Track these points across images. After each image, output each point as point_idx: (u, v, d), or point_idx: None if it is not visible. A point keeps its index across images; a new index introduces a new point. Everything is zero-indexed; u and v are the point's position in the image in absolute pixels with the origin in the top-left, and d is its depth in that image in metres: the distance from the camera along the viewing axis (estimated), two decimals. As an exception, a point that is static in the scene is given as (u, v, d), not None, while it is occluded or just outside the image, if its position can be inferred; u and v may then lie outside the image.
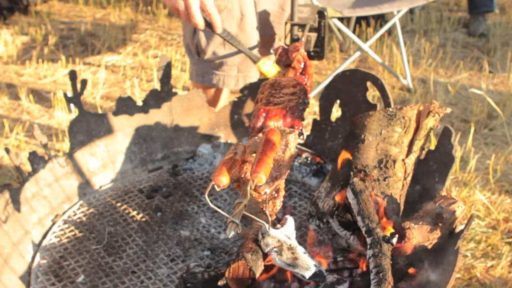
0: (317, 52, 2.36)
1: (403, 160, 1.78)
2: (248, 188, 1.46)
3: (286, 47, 2.16)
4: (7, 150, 1.90)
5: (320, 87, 3.47)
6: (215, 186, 1.46)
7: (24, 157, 1.96)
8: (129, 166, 2.28)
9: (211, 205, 1.42)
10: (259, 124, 1.78)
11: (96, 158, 2.20)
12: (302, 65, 2.09)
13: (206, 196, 1.41)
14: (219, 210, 1.44)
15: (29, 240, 1.89)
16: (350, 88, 2.17)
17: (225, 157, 1.53)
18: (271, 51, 2.29)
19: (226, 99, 2.63)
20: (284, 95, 1.85)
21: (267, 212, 1.54)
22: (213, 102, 2.54)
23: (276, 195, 1.60)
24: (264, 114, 1.79)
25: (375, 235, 1.55)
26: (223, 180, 1.45)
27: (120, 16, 4.94)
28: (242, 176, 1.54)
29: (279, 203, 1.60)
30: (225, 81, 2.35)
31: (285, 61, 2.16)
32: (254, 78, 2.42)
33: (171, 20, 4.85)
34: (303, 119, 1.83)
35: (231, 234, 1.41)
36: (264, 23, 2.48)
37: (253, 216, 1.48)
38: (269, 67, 2.10)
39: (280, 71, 2.11)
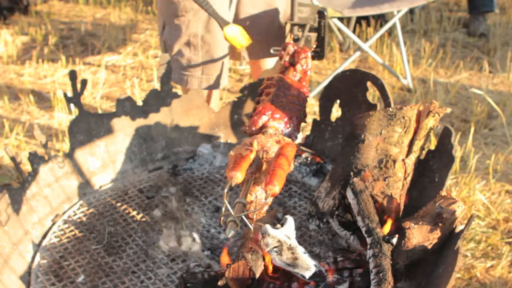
0: (317, 52, 2.36)
1: (403, 160, 1.78)
2: (265, 198, 1.45)
3: (295, 46, 2.14)
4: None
5: (320, 87, 3.46)
6: (226, 181, 1.46)
7: (24, 157, 1.95)
8: (129, 166, 2.28)
9: (226, 203, 1.42)
10: (261, 121, 1.78)
11: (96, 158, 2.20)
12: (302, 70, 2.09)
13: (226, 191, 1.42)
14: (229, 208, 1.43)
15: (29, 240, 1.89)
16: (350, 88, 2.17)
17: (242, 153, 1.52)
18: (271, 51, 2.29)
19: (217, 96, 2.63)
20: (288, 102, 1.86)
21: (254, 216, 1.54)
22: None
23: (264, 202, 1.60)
24: (269, 112, 1.79)
25: (375, 235, 1.55)
26: (239, 176, 1.45)
27: (120, 16, 4.94)
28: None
29: (264, 210, 1.60)
30: (188, 81, 2.33)
31: (288, 58, 2.15)
32: (220, 81, 2.38)
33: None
34: (299, 131, 1.84)
35: (231, 233, 1.41)
36: (249, 27, 2.49)
37: (246, 220, 1.48)
38: (236, 33, 2.00)
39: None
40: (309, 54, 2.09)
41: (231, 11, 2.35)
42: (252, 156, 1.55)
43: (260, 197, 1.56)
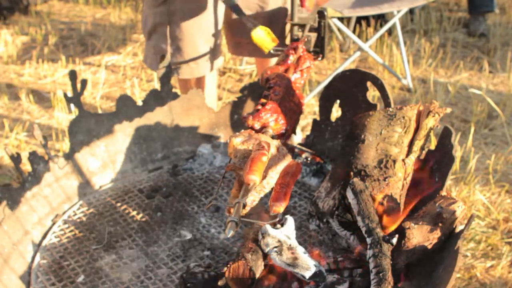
0: (317, 52, 2.36)
1: (403, 160, 1.78)
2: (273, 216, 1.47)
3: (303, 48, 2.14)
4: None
5: (320, 87, 3.46)
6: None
7: (24, 157, 1.95)
8: (129, 166, 2.28)
9: (240, 206, 1.43)
10: (265, 118, 1.78)
11: (96, 158, 2.20)
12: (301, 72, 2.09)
13: (242, 196, 1.42)
14: (240, 210, 1.44)
15: (29, 240, 1.89)
16: (350, 88, 2.17)
17: (260, 156, 1.52)
18: (272, 51, 2.29)
19: (212, 91, 2.65)
20: (290, 109, 1.86)
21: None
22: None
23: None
24: (275, 114, 1.79)
25: (375, 235, 1.55)
26: (258, 180, 1.46)
27: (120, 16, 4.94)
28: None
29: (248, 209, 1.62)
30: (158, 67, 2.41)
31: (293, 58, 2.14)
32: (193, 72, 2.47)
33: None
34: (289, 140, 1.86)
35: (230, 233, 1.41)
36: (235, 24, 2.51)
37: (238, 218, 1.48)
38: (263, 36, 2.09)
39: (278, 51, 2.12)
40: (313, 64, 2.09)
41: (219, 9, 2.38)
42: (267, 160, 1.56)
43: (251, 198, 1.57)
